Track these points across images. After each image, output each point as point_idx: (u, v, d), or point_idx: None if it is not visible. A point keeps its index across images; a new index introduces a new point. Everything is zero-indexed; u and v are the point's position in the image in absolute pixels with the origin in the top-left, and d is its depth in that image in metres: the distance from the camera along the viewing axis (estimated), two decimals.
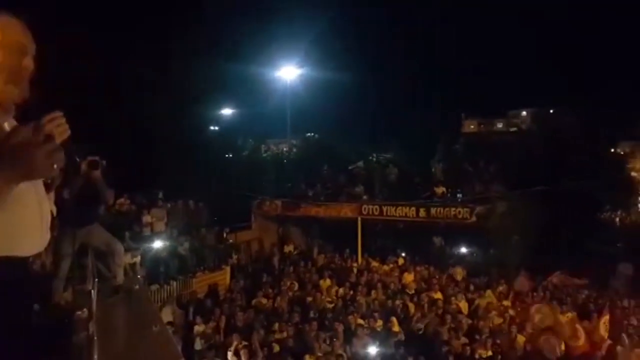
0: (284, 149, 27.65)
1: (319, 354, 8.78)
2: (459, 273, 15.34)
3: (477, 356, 9.20)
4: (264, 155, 25.71)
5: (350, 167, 21.57)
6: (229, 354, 8.22)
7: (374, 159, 34.11)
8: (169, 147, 16.77)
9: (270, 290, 12.54)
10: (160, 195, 14.32)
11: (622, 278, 15.81)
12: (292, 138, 28.41)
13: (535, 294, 13.50)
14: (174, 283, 11.70)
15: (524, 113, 60.98)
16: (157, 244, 12.07)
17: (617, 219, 38.20)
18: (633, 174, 44.66)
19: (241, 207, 18.20)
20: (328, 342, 9.46)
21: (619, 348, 9.44)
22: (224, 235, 15.15)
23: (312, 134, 33.77)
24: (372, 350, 9.14)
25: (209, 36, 19.74)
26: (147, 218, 12.91)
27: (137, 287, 5.18)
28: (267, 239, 18.53)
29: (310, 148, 25.97)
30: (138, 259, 11.04)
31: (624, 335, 9.90)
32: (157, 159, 16.35)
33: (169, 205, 14.24)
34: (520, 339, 9.81)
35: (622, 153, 41.97)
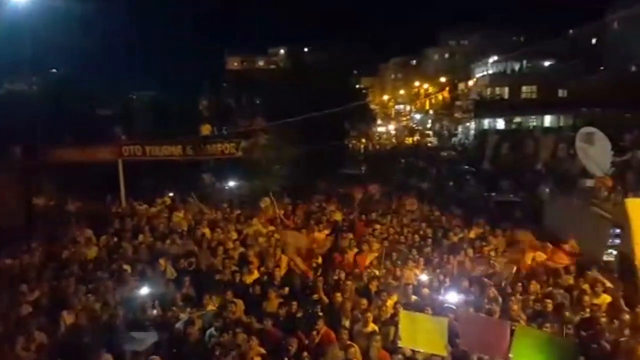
0: (24, 88, 23.61)
1: (80, 308, 8.05)
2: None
3: (246, 281, 9.64)
4: None
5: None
6: None
7: (135, 97, 31.85)
8: None
9: (16, 250, 10.90)
10: None
11: (369, 196, 18.26)
12: (32, 74, 24.41)
13: (295, 217, 14.68)
14: None
15: (282, 51, 63.93)
16: None
17: (362, 146, 43.82)
18: (372, 106, 51.58)
19: None
20: (90, 293, 8.74)
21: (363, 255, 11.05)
22: None
23: (56, 69, 29.54)
24: (143, 292, 8.81)
25: None
26: None
27: None
28: (6, 193, 15.90)
29: (54, 86, 22.67)
30: None
31: (365, 244, 11.60)
32: None
33: None
34: (285, 258, 10.58)
35: (363, 87, 47.63)
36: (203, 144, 17.76)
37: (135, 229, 12.89)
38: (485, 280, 9.64)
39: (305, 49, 40.43)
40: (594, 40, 43.95)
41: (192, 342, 7.41)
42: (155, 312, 8.25)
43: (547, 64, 52.19)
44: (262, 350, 7.01)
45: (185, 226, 13.16)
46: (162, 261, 10.32)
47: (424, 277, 9.97)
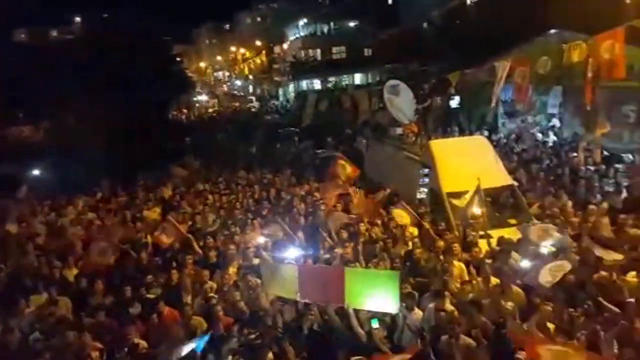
0: None
1: None
2: None
3: (67, 275, 8.70)
4: None
5: None
6: None
7: None
8: None
9: None
10: None
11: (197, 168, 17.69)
12: None
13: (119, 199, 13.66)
14: None
15: (78, 19, 57.29)
16: None
17: (184, 117, 42.00)
18: (190, 74, 49.66)
19: None
20: None
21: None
22: None
23: None
24: None
25: None
26: None
27: None
28: None
29: None
30: None
31: (199, 216, 11.32)
32: None
33: None
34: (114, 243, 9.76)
35: (177, 54, 45.15)
36: None
37: None
38: (320, 230, 10.05)
39: (105, 15, 36.63)
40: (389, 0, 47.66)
41: (15, 351, 6.60)
42: None
43: (352, 24, 55.36)
44: (99, 345, 6.47)
45: None
46: None
47: (262, 239, 10.02)
